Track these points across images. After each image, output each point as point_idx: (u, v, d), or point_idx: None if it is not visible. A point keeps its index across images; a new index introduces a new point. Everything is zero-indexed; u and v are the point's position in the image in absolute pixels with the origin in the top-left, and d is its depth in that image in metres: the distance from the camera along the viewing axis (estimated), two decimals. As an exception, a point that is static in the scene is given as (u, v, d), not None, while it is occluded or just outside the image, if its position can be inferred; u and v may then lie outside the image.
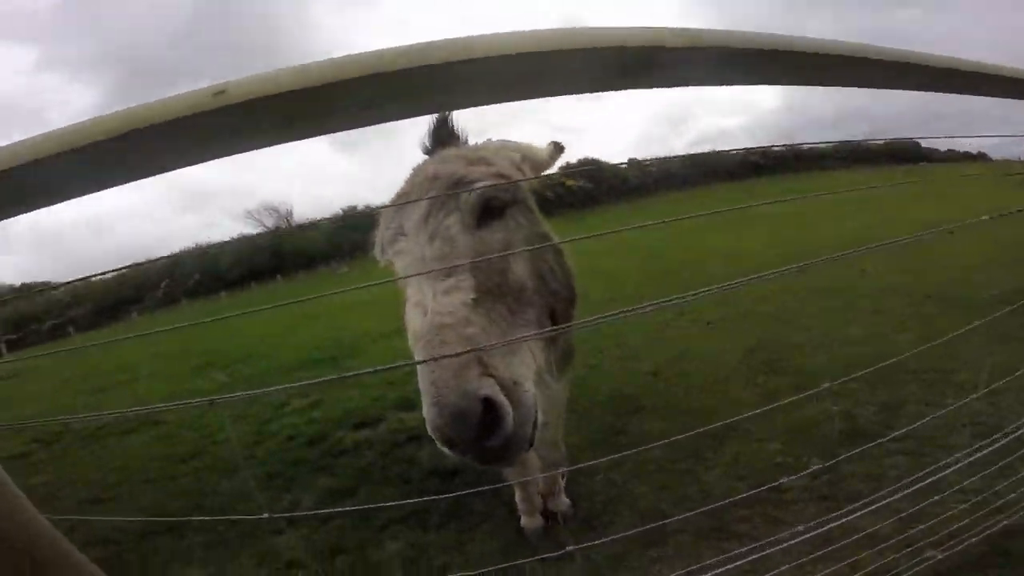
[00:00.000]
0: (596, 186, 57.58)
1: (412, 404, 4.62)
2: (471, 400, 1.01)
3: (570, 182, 58.91)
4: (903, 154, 62.45)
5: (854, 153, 64.74)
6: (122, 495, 3.69)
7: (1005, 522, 1.96)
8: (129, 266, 1.01)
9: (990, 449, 2.56)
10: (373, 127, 0.73)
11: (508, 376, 1.10)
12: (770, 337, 5.03)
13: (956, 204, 11.87)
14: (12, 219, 0.70)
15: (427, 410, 1.03)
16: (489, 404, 1.02)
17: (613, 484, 2.91)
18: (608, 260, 12.85)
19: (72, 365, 12.22)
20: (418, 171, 1.52)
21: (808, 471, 2.75)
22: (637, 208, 37.12)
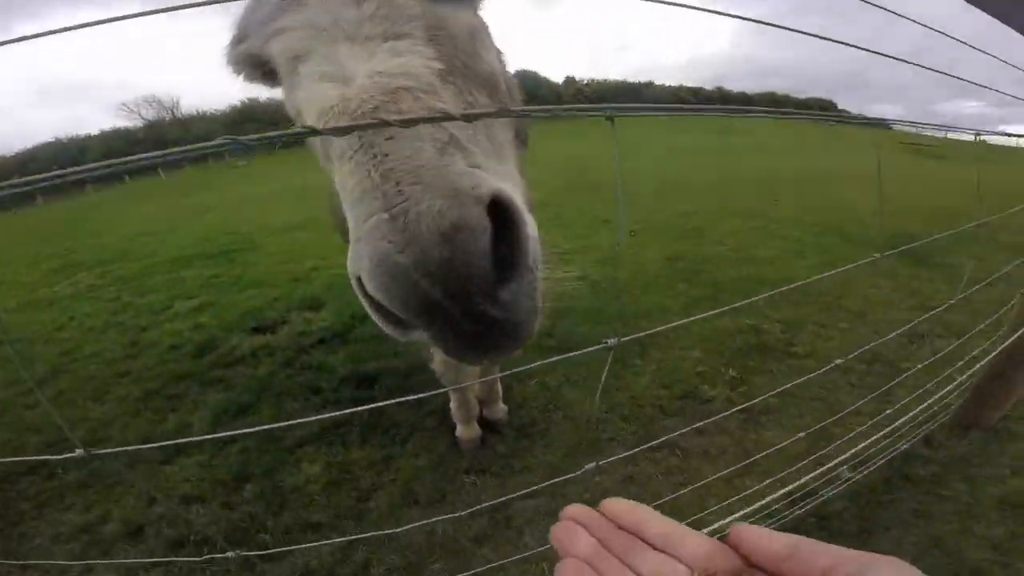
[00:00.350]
0: (528, 100, 57.46)
1: (320, 303, 4.25)
2: (469, 201, 0.56)
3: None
4: (821, 113, 67.84)
5: (776, 104, 69.06)
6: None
7: (905, 447, 2.07)
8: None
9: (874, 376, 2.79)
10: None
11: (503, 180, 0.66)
12: (691, 250, 5.13)
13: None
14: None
15: (387, 233, 0.55)
16: (499, 209, 0.58)
17: (546, 388, 2.80)
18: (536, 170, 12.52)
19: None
20: None
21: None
22: (570, 126, 36.44)
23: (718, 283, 4.24)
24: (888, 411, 1.89)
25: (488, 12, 0.97)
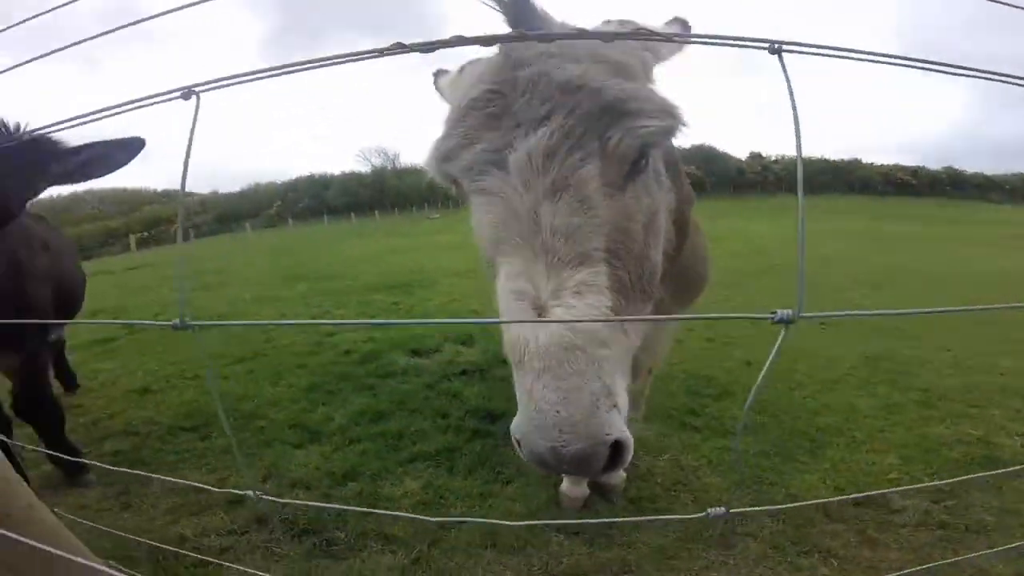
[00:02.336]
0: (705, 175, 53.64)
1: (472, 340, 4.50)
2: (600, 446, 0.77)
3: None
4: None
5: None
6: (167, 388, 3.72)
7: None
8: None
9: None
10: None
11: (623, 398, 0.83)
12: (896, 350, 4.20)
13: None
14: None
15: (538, 444, 0.77)
16: (617, 446, 0.79)
17: (679, 467, 2.45)
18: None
19: (188, 263, 13.57)
20: (512, 64, 0.89)
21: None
22: (751, 206, 34.00)
23: (934, 389, 3.36)
24: None
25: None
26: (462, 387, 3.43)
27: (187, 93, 0.71)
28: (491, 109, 0.88)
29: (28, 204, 1.48)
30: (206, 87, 0.72)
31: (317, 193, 49.41)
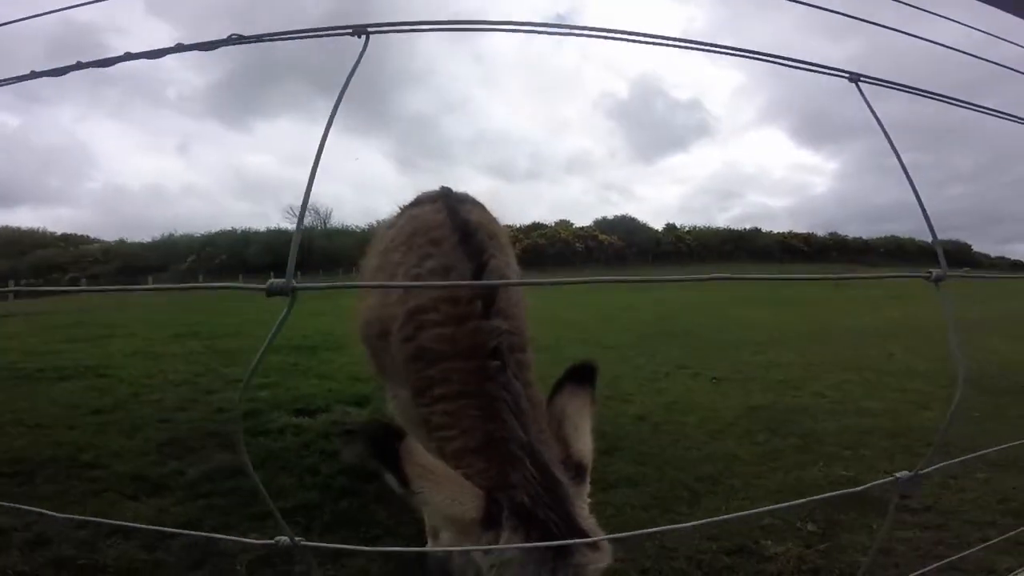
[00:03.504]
0: (627, 246, 57.35)
1: (367, 401, 4.25)
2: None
3: (603, 236, 59.22)
4: (950, 256, 60.46)
5: (900, 250, 62.84)
6: (5, 434, 3.24)
7: None
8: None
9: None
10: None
11: None
12: (778, 400, 4.43)
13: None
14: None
15: None
16: None
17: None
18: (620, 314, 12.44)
19: (70, 313, 12.41)
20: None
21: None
22: (667, 273, 36.28)
23: (811, 434, 3.53)
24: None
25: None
26: (341, 446, 3.19)
27: (359, 30, 0.67)
28: None
29: None
30: (379, 29, 0.67)
31: (237, 250, 46.23)
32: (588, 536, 1.13)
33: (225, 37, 0.69)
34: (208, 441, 3.22)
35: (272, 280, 0.52)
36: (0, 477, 2.58)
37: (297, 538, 0.58)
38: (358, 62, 0.66)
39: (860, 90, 0.68)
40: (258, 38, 0.68)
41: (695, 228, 63.74)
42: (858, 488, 0.68)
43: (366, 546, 2.04)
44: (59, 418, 3.55)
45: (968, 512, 2.40)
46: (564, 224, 60.10)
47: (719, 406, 4.27)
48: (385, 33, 0.68)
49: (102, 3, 0.85)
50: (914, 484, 0.67)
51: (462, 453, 1.22)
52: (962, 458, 0.92)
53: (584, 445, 1.33)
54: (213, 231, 51.94)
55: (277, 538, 0.59)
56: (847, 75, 0.67)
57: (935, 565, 1.73)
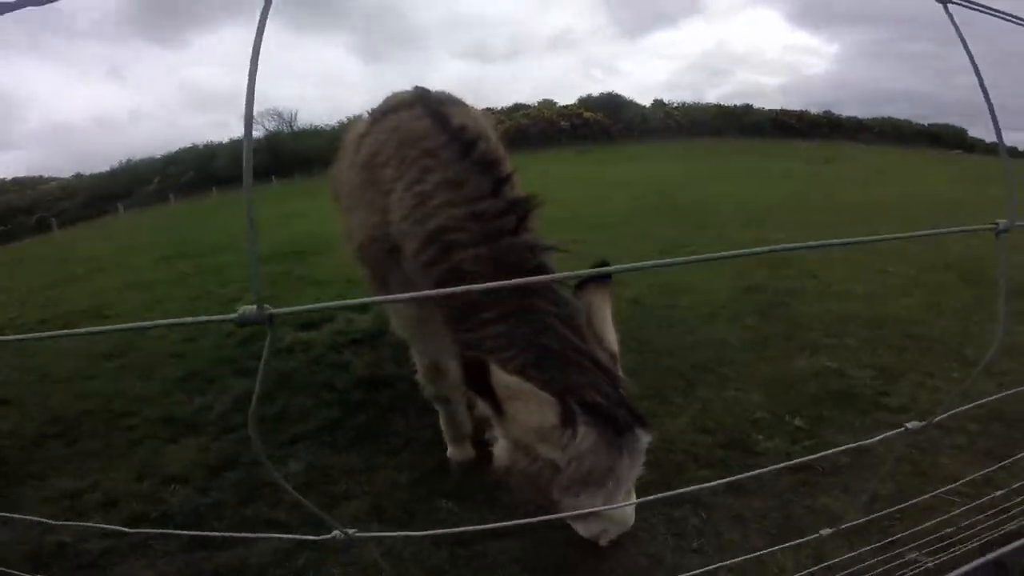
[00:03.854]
0: (614, 123, 55.02)
1: (369, 306, 4.24)
2: None
3: (588, 113, 56.65)
4: (945, 139, 59.14)
5: (896, 130, 61.11)
6: (28, 396, 3.27)
7: (1010, 527, 1.54)
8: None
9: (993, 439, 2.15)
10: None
11: None
12: (769, 281, 4.54)
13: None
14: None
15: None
16: None
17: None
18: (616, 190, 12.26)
19: (48, 256, 11.97)
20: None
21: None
22: (655, 149, 35.18)
23: (796, 319, 3.66)
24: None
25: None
26: (351, 357, 3.31)
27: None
28: None
29: None
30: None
31: (203, 165, 43.45)
32: (645, 421, 1.34)
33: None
34: (224, 369, 3.32)
35: (243, 308, 0.47)
36: (49, 439, 2.66)
37: (351, 530, 0.61)
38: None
39: (948, 13, 0.62)
40: None
41: (684, 104, 61.11)
42: (870, 440, 0.71)
43: (391, 462, 2.21)
44: (77, 369, 3.58)
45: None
46: (547, 104, 57.17)
47: (712, 287, 4.36)
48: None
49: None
50: (923, 431, 0.70)
51: (523, 368, 1.31)
52: (971, 404, 0.95)
53: (612, 335, 1.52)
54: (174, 150, 49.09)
55: (334, 532, 0.61)
56: (937, -3, 0.62)
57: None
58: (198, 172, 41.98)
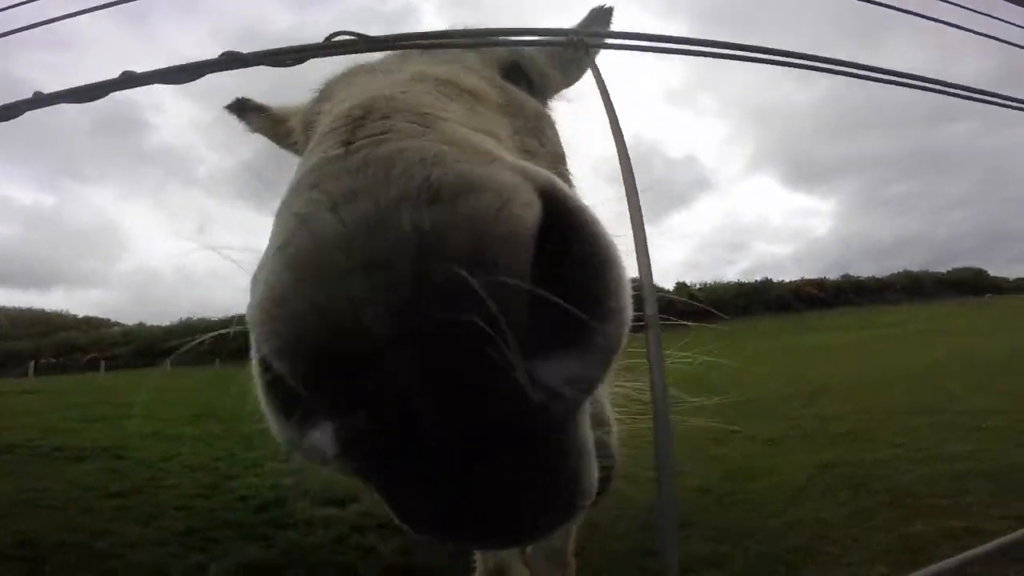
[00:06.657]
0: (637, 309, 56.19)
1: None
2: (501, 167, 0.39)
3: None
4: (968, 284, 59.24)
5: (916, 284, 61.66)
6: (17, 515, 3.07)
7: None
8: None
9: None
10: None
11: None
12: (848, 455, 4.05)
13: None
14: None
15: (323, 179, 0.38)
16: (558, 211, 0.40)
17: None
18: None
19: (87, 393, 12.53)
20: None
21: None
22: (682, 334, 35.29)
23: (896, 488, 3.18)
24: None
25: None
26: (378, 541, 2.91)
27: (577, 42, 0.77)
28: None
29: None
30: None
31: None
32: None
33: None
34: (230, 532, 2.95)
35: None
36: (8, 560, 2.42)
37: None
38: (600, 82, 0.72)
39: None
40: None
41: (706, 284, 63.10)
42: None
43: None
44: (74, 500, 3.40)
45: None
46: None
47: (783, 469, 3.91)
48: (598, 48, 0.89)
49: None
50: None
51: None
52: None
53: None
54: (230, 315, 52.39)
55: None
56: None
57: None
58: (246, 339, 44.15)
